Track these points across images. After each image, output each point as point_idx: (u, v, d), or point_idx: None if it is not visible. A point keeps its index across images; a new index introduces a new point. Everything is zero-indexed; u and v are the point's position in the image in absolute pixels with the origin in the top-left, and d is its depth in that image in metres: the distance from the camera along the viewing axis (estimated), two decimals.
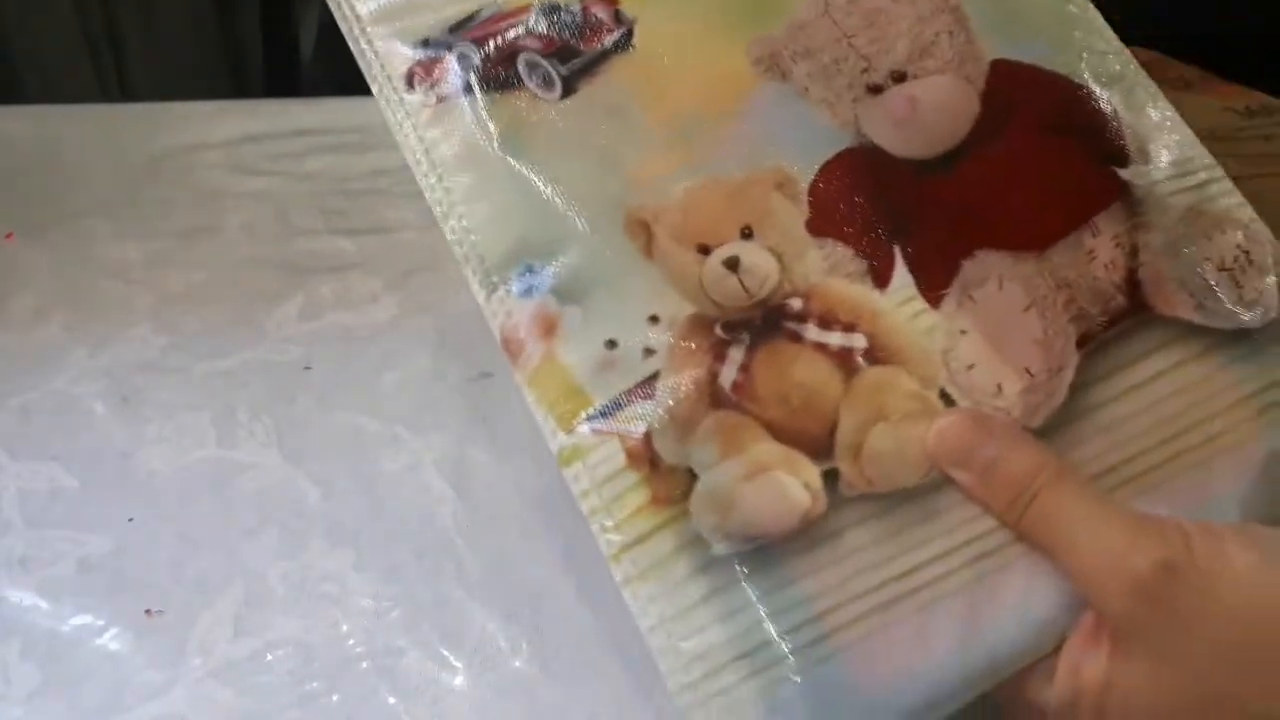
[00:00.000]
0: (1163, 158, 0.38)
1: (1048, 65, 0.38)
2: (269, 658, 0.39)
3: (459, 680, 0.38)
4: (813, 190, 0.36)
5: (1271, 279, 0.36)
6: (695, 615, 0.32)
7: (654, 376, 0.34)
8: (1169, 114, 0.39)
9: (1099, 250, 0.36)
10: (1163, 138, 0.39)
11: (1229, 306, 0.36)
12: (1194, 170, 0.38)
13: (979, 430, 0.33)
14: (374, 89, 0.39)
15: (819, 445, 0.33)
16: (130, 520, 0.43)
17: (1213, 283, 0.36)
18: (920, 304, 0.35)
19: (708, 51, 0.38)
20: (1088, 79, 0.38)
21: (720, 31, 0.38)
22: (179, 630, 0.39)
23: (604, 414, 0.34)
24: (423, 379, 0.50)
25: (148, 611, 0.40)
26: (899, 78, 0.37)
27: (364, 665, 0.39)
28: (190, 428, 0.47)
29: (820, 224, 0.36)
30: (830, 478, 0.33)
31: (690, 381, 0.34)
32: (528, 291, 0.36)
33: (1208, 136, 0.43)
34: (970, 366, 0.34)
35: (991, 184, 0.36)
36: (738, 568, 0.32)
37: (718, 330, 0.34)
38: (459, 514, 0.44)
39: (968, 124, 0.37)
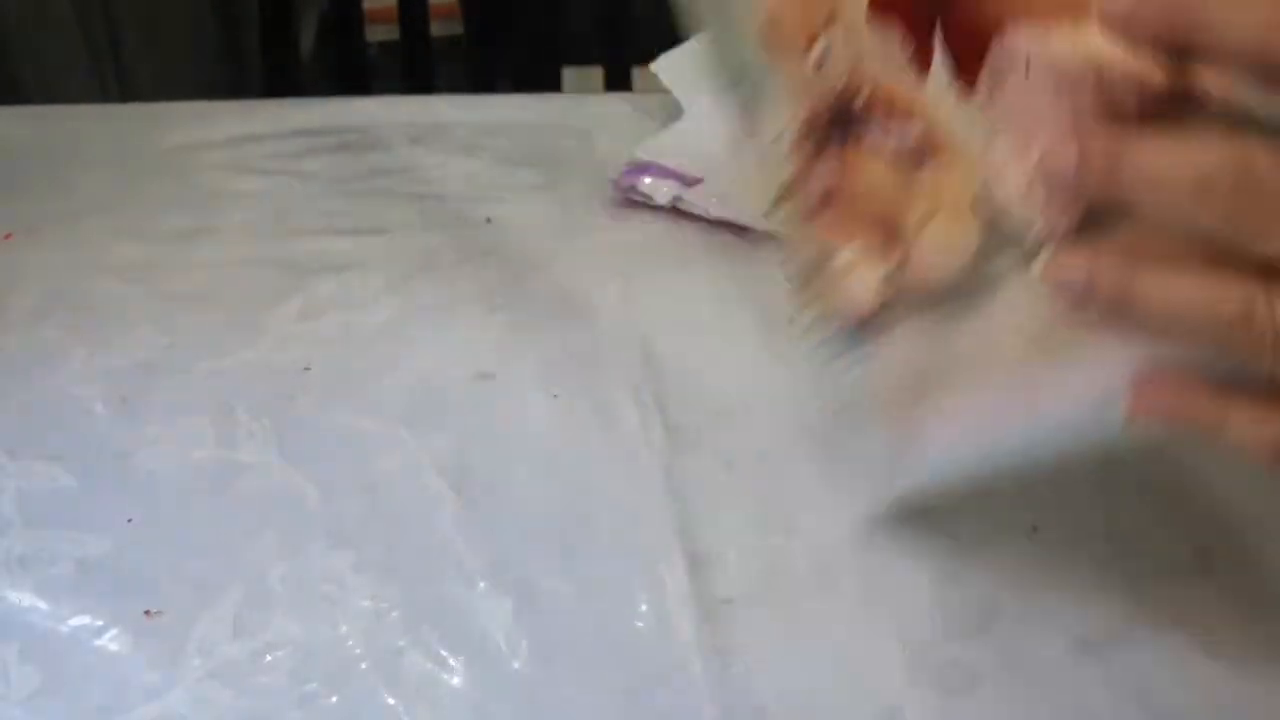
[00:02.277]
0: None
1: None
2: (268, 658, 0.39)
3: (459, 680, 0.38)
4: None
5: None
6: None
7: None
8: None
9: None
10: None
11: None
12: None
13: None
14: None
15: (887, 240, 0.37)
16: (130, 521, 0.43)
17: None
18: (956, 93, 0.36)
19: None
20: None
21: None
22: (178, 631, 0.39)
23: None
24: (423, 379, 0.50)
25: (147, 612, 0.40)
26: None
27: (363, 666, 0.39)
28: (190, 428, 0.47)
29: (877, 6, 0.36)
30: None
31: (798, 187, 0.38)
32: None
33: None
34: (1004, 164, 0.33)
35: None
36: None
37: (810, 142, 0.37)
38: (459, 514, 0.44)
39: None
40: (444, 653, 0.39)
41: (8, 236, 0.58)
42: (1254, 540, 0.44)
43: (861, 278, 0.37)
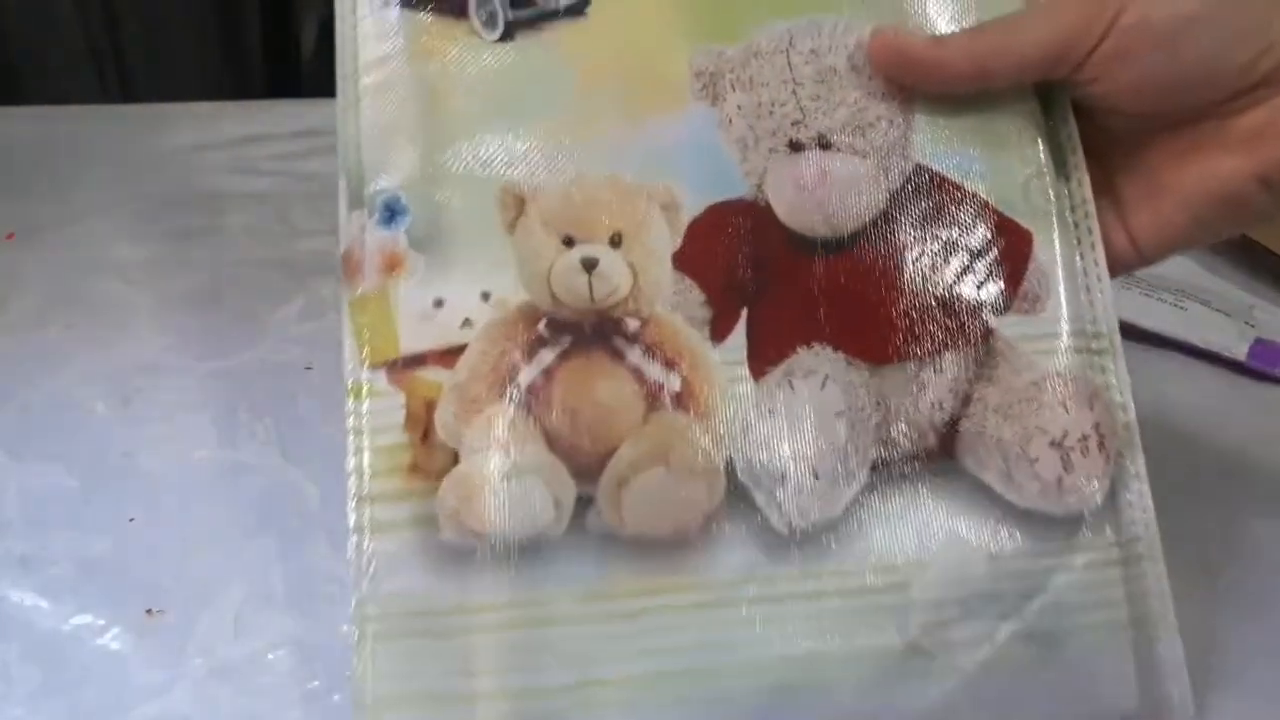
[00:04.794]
0: (1059, 312, 0.36)
1: (976, 183, 0.37)
2: (270, 657, 0.39)
3: None
4: (693, 226, 0.35)
5: (1106, 475, 0.35)
6: (397, 577, 0.33)
7: (461, 348, 0.34)
8: (1098, 266, 0.37)
9: (931, 387, 0.35)
10: (1073, 290, 0.36)
11: (1039, 486, 0.34)
12: (1089, 334, 0.36)
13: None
14: None
15: (588, 468, 0.33)
16: (131, 520, 0.43)
17: (1034, 456, 0.34)
18: (744, 370, 0.35)
19: (659, 47, 0.37)
20: (1017, 209, 0.37)
21: (679, 30, 0.37)
22: (180, 630, 0.39)
23: (404, 365, 0.34)
24: None
25: (149, 611, 0.40)
26: (823, 144, 0.36)
27: None
28: (191, 428, 0.47)
29: (686, 260, 0.35)
30: (582, 504, 0.33)
31: (490, 367, 0.34)
32: (387, 222, 0.35)
33: None
34: (763, 447, 0.34)
35: (855, 284, 0.35)
36: (448, 559, 0.33)
37: (540, 327, 0.34)
38: None
39: (866, 217, 0.36)
40: None
41: (9, 237, 0.58)
42: (1254, 540, 0.44)
43: (541, 491, 0.33)
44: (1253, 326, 0.54)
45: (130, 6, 0.98)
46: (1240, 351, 0.53)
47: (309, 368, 0.51)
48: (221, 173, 0.64)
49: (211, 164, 0.64)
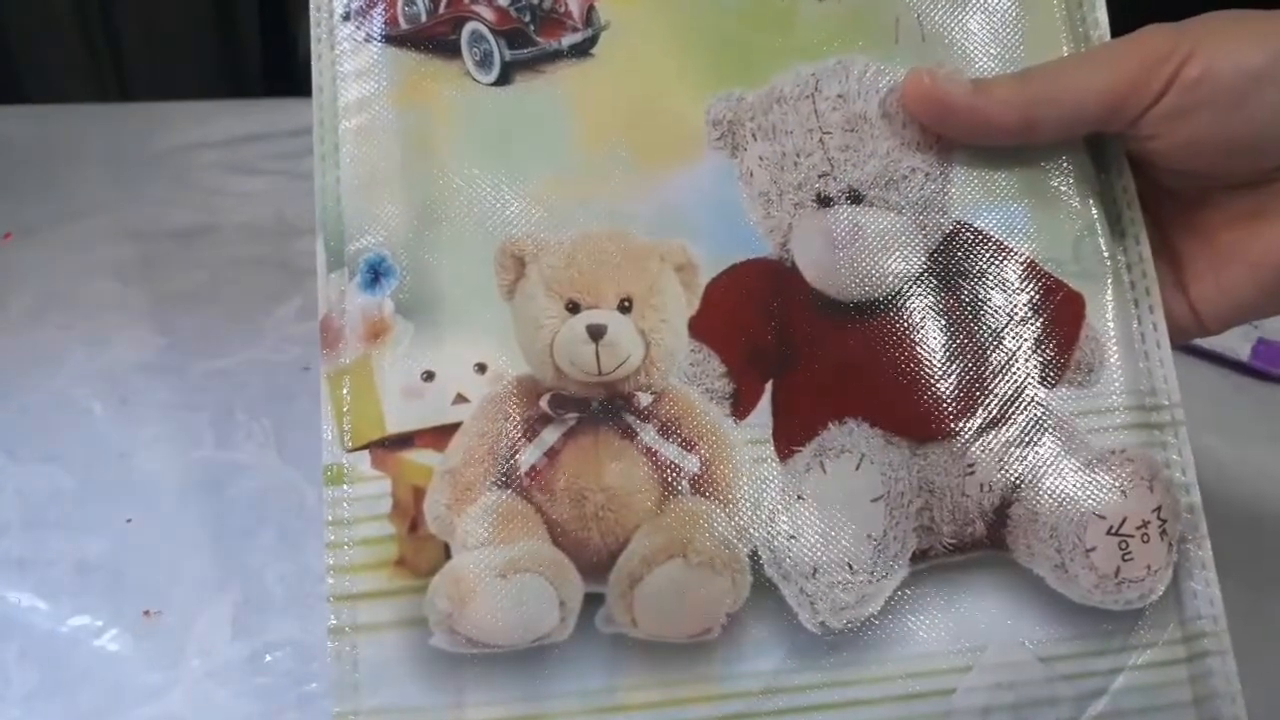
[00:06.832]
0: (1115, 383, 0.33)
1: (1022, 241, 0.33)
2: (267, 659, 0.39)
3: None
4: (711, 288, 0.32)
5: (1168, 565, 0.32)
6: (383, 689, 0.30)
7: (454, 427, 0.31)
8: (1157, 331, 0.33)
9: (979, 468, 0.32)
10: (1129, 358, 0.33)
11: (1095, 578, 0.31)
12: (1148, 406, 0.33)
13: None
14: (311, 16, 0.34)
15: (596, 563, 0.30)
16: (129, 521, 0.43)
17: (1090, 545, 0.31)
18: (769, 450, 0.31)
19: (672, 92, 0.33)
20: (1068, 270, 0.33)
21: (694, 75, 0.34)
22: (177, 631, 0.39)
23: (389, 446, 0.31)
24: None
25: (146, 612, 0.40)
26: (854, 198, 0.33)
27: None
28: (188, 428, 0.47)
29: (704, 327, 0.32)
30: (590, 604, 0.30)
31: (486, 449, 0.31)
32: (371, 285, 0.32)
33: None
34: (792, 537, 0.31)
35: (891, 353, 0.32)
36: (440, 666, 0.29)
37: (543, 403, 0.31)
38: None
39: (902, 278, 0.32)
40: None
41: (6, 236, 0.58)
42: (1254, 537, 0.44)
43: (545, 591, 0.29)
44: (1255, 326, 0.54)
45: (128, 6, 0.98)
46: (1243, 351, 0.53)
47: (306, 368, 0.51)
48: (219, 172, 0.63)
49: (209, 163, 0.64)
